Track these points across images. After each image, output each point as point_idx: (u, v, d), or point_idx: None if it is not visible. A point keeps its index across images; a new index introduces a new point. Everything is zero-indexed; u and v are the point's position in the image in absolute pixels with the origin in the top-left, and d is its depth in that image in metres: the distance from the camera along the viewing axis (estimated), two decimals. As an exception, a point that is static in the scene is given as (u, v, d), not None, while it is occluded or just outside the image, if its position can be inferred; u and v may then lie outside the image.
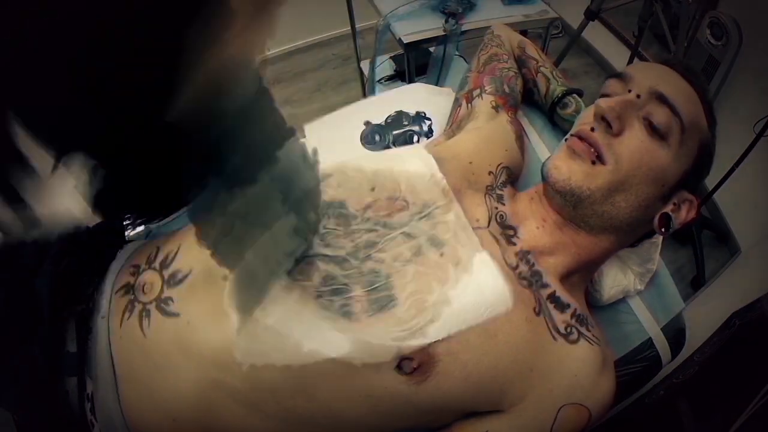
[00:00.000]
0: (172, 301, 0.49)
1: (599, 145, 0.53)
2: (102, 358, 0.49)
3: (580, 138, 0.55)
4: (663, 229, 0.56)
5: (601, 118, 0.54)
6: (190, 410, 0.47)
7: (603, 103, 0.54)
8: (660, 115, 0.52)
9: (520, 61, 0.80)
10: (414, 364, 0.44)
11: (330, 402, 0.45)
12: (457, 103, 0.75)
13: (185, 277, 0.50)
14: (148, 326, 0.49)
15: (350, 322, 0.45)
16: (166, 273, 0.51)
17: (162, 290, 0.50)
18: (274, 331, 0.45)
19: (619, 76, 0.57)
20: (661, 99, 0.53)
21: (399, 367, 0.44)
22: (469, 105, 0.72)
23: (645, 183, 0.53)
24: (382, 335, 0.45)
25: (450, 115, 0.75)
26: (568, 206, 0.55)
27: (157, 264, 0.53)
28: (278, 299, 0.47)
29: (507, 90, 0.73)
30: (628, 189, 0.53)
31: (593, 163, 0.53)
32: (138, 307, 0.50)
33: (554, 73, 0.78)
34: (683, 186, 0.56)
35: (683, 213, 0.57)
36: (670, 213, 0.56)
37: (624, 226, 0.56)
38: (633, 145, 0.52)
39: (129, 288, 0.52)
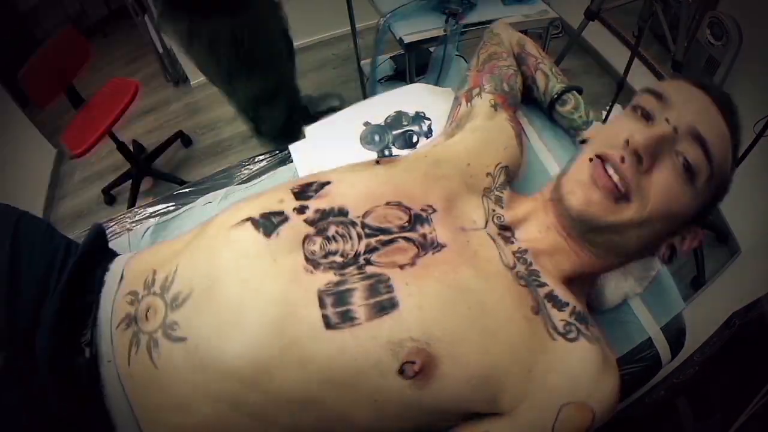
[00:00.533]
0: (178, 325, 0.47)
1: (629, 182, 0.50)
2: (119, 405, 0.47)
3: (605, 162, 0.52)
4: (667, 260, 0.56)
5: (634, 151, 0.51)
6: None
7: (639, 136, 0.50)
8: (694, 156, 0.50)
9: (520, 59, 0.80)
10: (416, 367, 0.44)
11: (339, 408, 0.45)
12: (456, 102, 0.75)
13: (187, 297, 0.49)
14: (158, 357, 0.47)
15: (353, 327, 0.45)
16: (168, 296, 0.49)
17: (166, 315, 0.48)
18: (281, 339, 0.45)
19: (655, 93, 0.54)
20: (698, 139, 0.50)
21: (401, 371, 0.44)
22: (469, 104, 0.72)
23: (663, 221, 0.52)
24: (385, 338, 0.45)
25: (450, 115, 0.75)
26: (580, 228, 0.54)
27: (157, 288, 0.51)
28: (283, 307, 0.46)
29: (506, 88, 0.73)
30: (646, 226, 0.52)
31: (617, 201, 0.51)
32: (144, 338, 0.48)
33: (553, 70, 0.78)
34: (695, 220, 0.55)
35: (687, 242, 0.56)
36: (676, 245, 0.56)
37: (629, 254, 0.56)
38: (662, 185, 0.50)
39: (130, 319, 0.50)
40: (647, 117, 0.53)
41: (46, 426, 0.47)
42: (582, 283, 0.60)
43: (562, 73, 0.79)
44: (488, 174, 0.61)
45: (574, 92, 0.76)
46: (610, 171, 0.51)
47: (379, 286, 0.47)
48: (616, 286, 0.68)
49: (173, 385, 0.46)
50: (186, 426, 0.47)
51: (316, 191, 0.55)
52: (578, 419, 0.48)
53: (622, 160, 0.51)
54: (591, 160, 0.53)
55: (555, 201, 0.56)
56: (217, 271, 0.49)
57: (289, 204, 0.53)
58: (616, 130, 0.53)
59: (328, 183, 0.55)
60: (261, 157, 0.87)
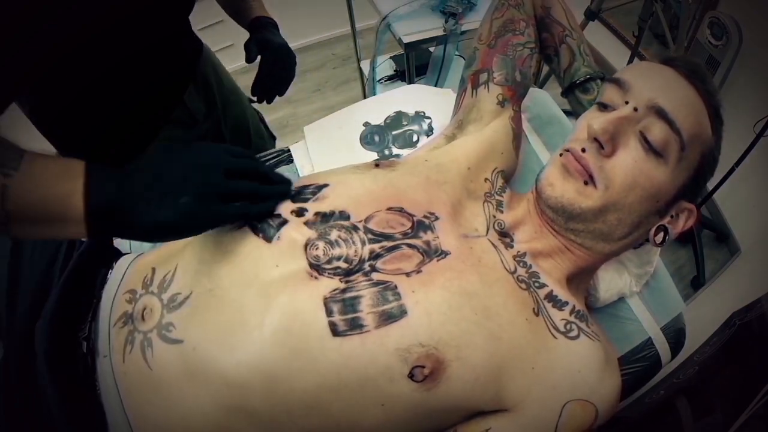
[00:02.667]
0: (173, 326, 0.47)
1: (590, 168, 0.52)
2: (111, 402, 0.47)
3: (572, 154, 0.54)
4: (659, 242, 0.55)
5: (594, 138, 0.52)
6: None
7: (595, 123, 0.52)
8: (657, 132, 0.51)
9: (542, 25, 0.70)
10: (426, 371, 0.44)
11: (344, 413, 0.45)
12: (463, 85, 0.70)
13: (185, 299, 0.48)
14: (152, 357, 0.46)
15: (362, 335, 0.45)
16: (165, 296, 0.49)
17: (162, 315, 0.48)
18: (288, 347, 0.45)
19: (617, 82, 0.55)
20: (660, 114, 0.51)
21: (411, 375, 0.44)
22: (475, 92, 0.67)
23: (638, 202, 0.52)
24: (394, 345, 0.44)
25: (456, 99, 0.72)
26: (560, 220, 0.55)
27: (154, 287, 0.51)
28: (289, 313, 0.46)
29: (518, 77, 0.66)
30: (620, 209, 0.53)
31: (585, 183, 0.53)
32: (138, 337, 0.48)
33: (582, 48, 0.69)
34: (682, 197, 0.55)
35: (681, 222, 0.56)
36: (667, 225, 0.55)
37: (617, 239, 0.56)
38: (626, 166, 0.51)
39: (127, 317, 0.50)
40: (605, 107, 0.56)
41: (42, 419, 0.47)
42: (581, 280, 0.61)
43: (590, 51, 0.71)
44: (486, 179, 0.61)
45: (599, 81, 0.69)
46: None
47: (386, 293, 0.47)
48: (610, 284, 0.67)
49: (167, 387, 0.46)
50: (175, 428, 0.46)
51: (314, 193, 0.54)
52: (581, 416, 0.48)
53: (583, 150, 0.53)
54: (561, 155, 0.55)
55: (537, 198, 0.58)
56: (218, 275, 0.49)
57: (286, 206, 0.53)
58: (584, 124, 0.55)
59: (326, 185, 0.55)
60: (262, 157, 0.86)
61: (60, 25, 0.49)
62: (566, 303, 0.53)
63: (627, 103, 0.53)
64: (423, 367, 0.44)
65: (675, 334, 0.72)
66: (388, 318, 0.45)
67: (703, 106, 0.53)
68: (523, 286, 0.52)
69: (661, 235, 0.55)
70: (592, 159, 0.53)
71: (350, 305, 0.46)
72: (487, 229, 0.57)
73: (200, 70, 0.87)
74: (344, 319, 0.45)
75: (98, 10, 0.52)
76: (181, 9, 0.71)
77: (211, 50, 0.92)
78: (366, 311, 0.45)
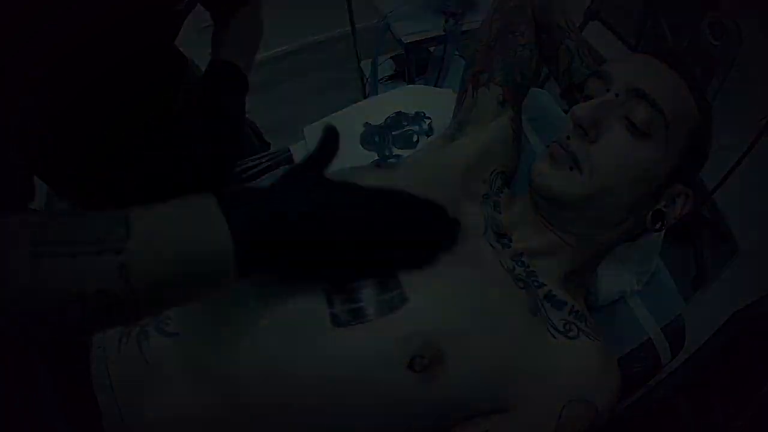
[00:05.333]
0: (171, 320, 0.47)
1: (574, 153, 0.53)
2: (104, 392, 0.47)
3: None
4: (657, 227, 0.56)
5: (578, 125, 0.53)
6: None
7: (578, 110, 0.53)
8: (640, 113, 0.51)
9: (541, 27, 0.70)
10: (425, 361, 0.44)
11: (343, 410, 0.45)
12: (463, 86, 0.70)
13: None
14: (147, 348, 0.46)
15: (363, 324, 0.45)
16: None
17: None
18: (287, 340, 0.45)
19: (598, 74, 0.56)
20: (641, 95, 0.52)
21: (410, 365, 0.44)
22: (475, 93, 0.67)
23: (629, 184, 0.53)
24: (395, 334, 0.45)
25: (457, 98, 0.72)
26: (553, 210, 0.55)
27: None
28: (288, 306, 0.46)
29: (518, 79, 0.67)
30: (611, 192, 0.53)
31: (571, 168, 0.53)
32: (135, 329, 0.48)
33: (581, 49, 0.68)
34: (676, 179, 0.55)
35: (678, 207, 0.56)
36: (663, 209, 0.55)
37: (613, 226, 0.56)
38: (611, 149, 0.52)
39: None
40: (589, 99, 0.56)
41: (40, 414, 0.47)
42: (580, 278, 0.61)
43: (589, 51, 0.70)
44: (484, 181, 0.62)
45: None
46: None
47: (387, 282, 0.47)
48: (610, 282, 0.67)
49: (161, 380, 0.46)
50: (168, 422, 0.46)
51: None
52: (581, 416, 0.48)
53: (568, 137, 0.53)
54: (548, 146, 0.56)
55: (530, 192, 0.58)
56: None
57: None
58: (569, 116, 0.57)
59: None
60: (262, 158, 0.87)
61: (60, 27, 0.49)
62: (565, 303, 0.54)
63: (608, 90, 0.54)
64: (422, 357, 0.44)
65: (675, 334, 0.72)
66: (389, 306, 0.45)
67: (685, 86, 0.54)
68: (521, 285, 0.53)
69: (659, 221, 0.55)
70: (577, 144, 0.53)
71: (351, 294, 0.46)
72: (485, 230, 0.57)
73: (185, 86, 0.82)
74: (346, 309, 0.45)
75: (87, 18, 0.52)
76: (166, 18, 0.68)
77: (197, 66, 0.87)
78: (367, 301, 0.46)
